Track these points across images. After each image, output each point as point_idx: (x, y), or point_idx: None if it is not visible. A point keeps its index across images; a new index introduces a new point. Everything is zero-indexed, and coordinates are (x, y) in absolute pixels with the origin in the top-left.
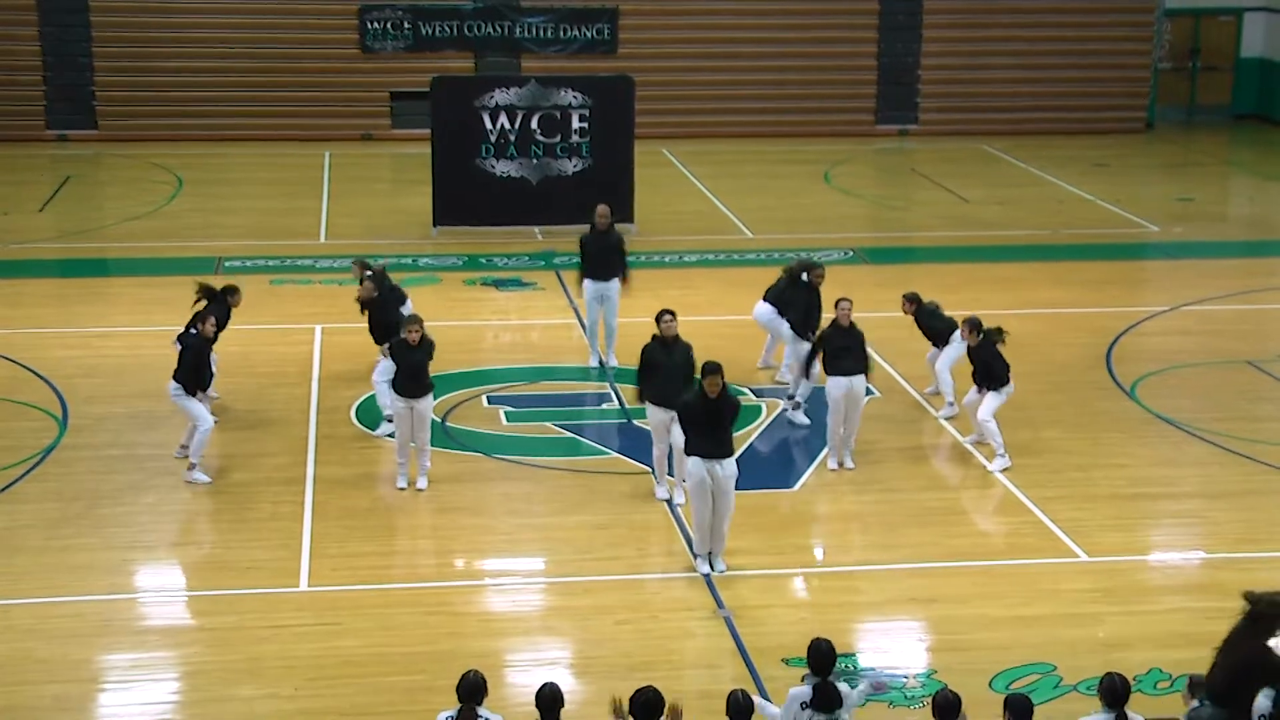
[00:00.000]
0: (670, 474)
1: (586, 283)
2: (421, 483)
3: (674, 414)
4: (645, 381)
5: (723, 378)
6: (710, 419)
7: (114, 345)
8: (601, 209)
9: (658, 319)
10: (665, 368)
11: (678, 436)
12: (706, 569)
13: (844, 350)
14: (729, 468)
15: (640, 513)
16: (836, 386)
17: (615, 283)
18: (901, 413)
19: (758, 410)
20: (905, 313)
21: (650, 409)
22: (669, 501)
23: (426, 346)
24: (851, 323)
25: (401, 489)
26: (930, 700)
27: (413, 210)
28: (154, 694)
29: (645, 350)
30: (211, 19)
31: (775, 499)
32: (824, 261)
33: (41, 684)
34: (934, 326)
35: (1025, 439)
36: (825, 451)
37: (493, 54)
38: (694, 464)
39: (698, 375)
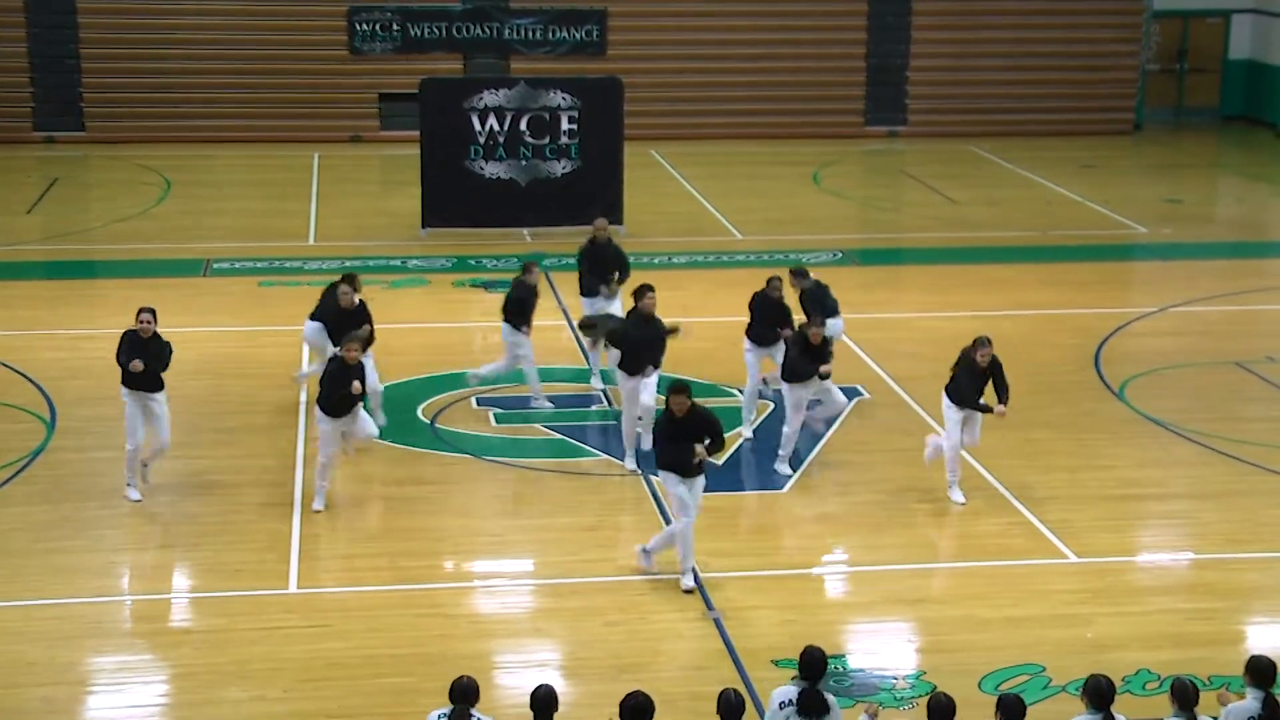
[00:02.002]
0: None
1: (583, 301)
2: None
3: (639, 382)
4: (621, 348)
5: (689, 397)
6: (681, 436)
7: (102, 347)
8: (599, 222)
9: (637, 294)
10: (639, 341)
11: (647, 399)
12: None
13: (812, 362)
14: (697, 486)
15: (629, 514)
16: (801, 392)
17: (616, 300)
18: (889, 414)
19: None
20: (793, 286)
21: (620, 376)
22: (647, 480)
23: (360, 370)
24: (824, 339)
25: (318, 510)
26: (925, 703)
27: (401, 212)
28: (142, 696)
29: (627, 317)
30: (199, 21)
31: (764, 500)
32: (813, 263)
33: (29, 687)
34: (827, 305)
35: (1014, 440)
36: (782, 453)
37: (481, 56)
38: (665, 477)
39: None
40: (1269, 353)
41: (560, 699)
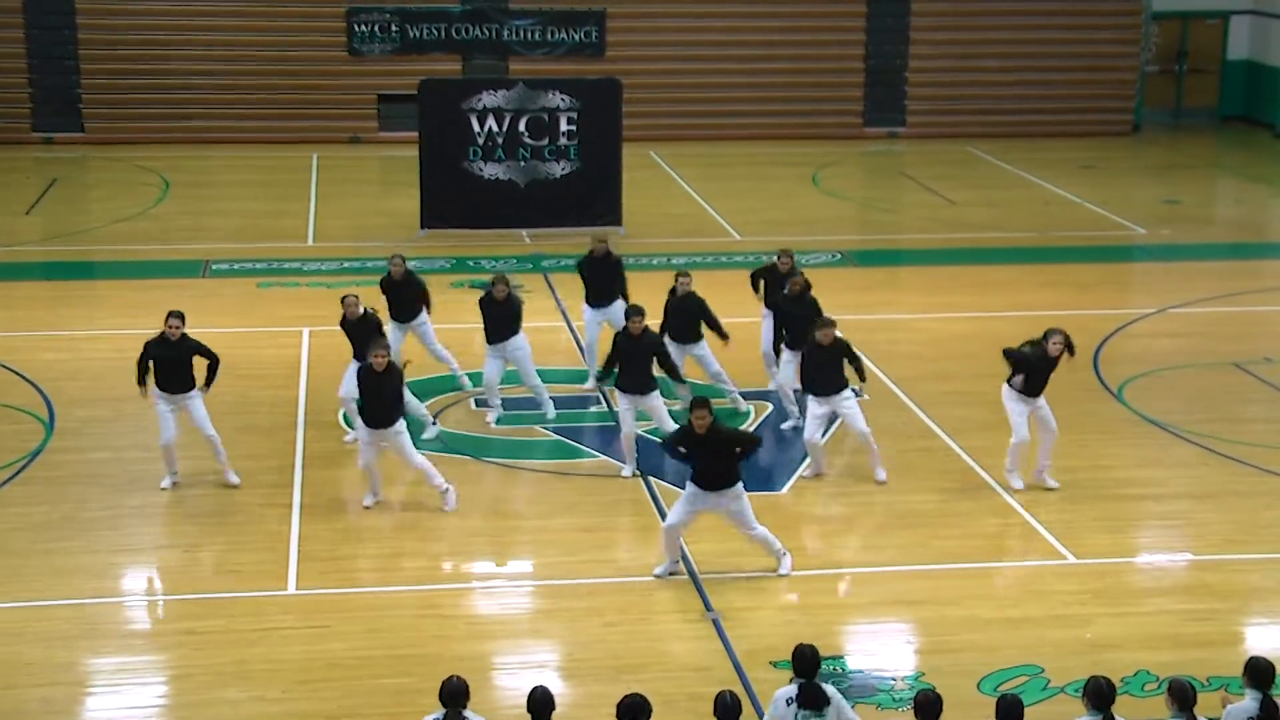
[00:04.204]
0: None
1: (586, 309)
2: (450, 502)
3: (634, 400)
4: (611, 366)
5: (710, 412)
6: (705, 451)
7: (100, 348)
8: (597, 235)
9: (626, 316)
10: (631, 359)
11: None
12: (663, 571)
13: (828, 368)
14: (735, 497)
15: (628, 515)
16: (815, 404)
17: (617, 304)
18: (888, 416)
19: (745, 414)
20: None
21: (618, 394)
22: (642, 475)
23: (395, 375)
24: (834, 339)
25: (368, 507)
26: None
27: (400, 213)
28: (141, 697)
29: (616, 339)
30: (198, 21)
31: (764, 502)
32: (812, 264)
33: (28, 688)
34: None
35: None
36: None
37: (480, 57)
38: (694, 490)
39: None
40: (1267, 354)
41: (559, 700)
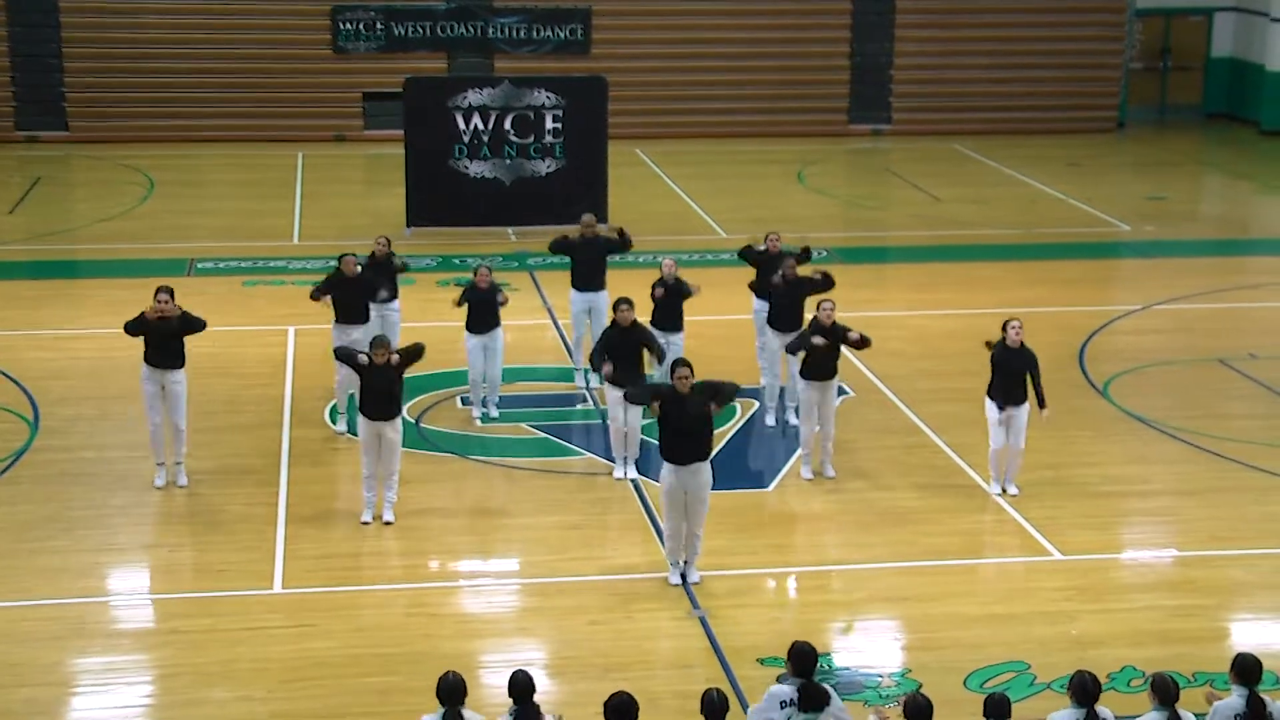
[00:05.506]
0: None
1: (573, 294)
2: (387, 515)
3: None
4: (599, 359)
5: (693, 371)
6: (682, 418)
7: (85, 347)
8: (587, 218)
9: (614, 307)
10: (620, 351)
11: (633, 418)
12: (677, 579)
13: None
14: (703, 474)
15: (614, 513)
16: (810, 390)
17: (604, 294)
18: (874, 413)
19: (732, 410)
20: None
21: (607, 387)
22: (634, 482)
23: (395, 368)
24: (834, 323)
25: (366, 523)
26: (901, 702)
27: (386, 211)
28: (127, 697)
29: (605, 334)
30: (182, 19)
31: (750, 499)
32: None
33: (13, 688)
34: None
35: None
36: (799, 455)
37: (465, 54)
38: (665, 471)
39: (659, 365)
40: (1251, 350)
41: (545, 698)
